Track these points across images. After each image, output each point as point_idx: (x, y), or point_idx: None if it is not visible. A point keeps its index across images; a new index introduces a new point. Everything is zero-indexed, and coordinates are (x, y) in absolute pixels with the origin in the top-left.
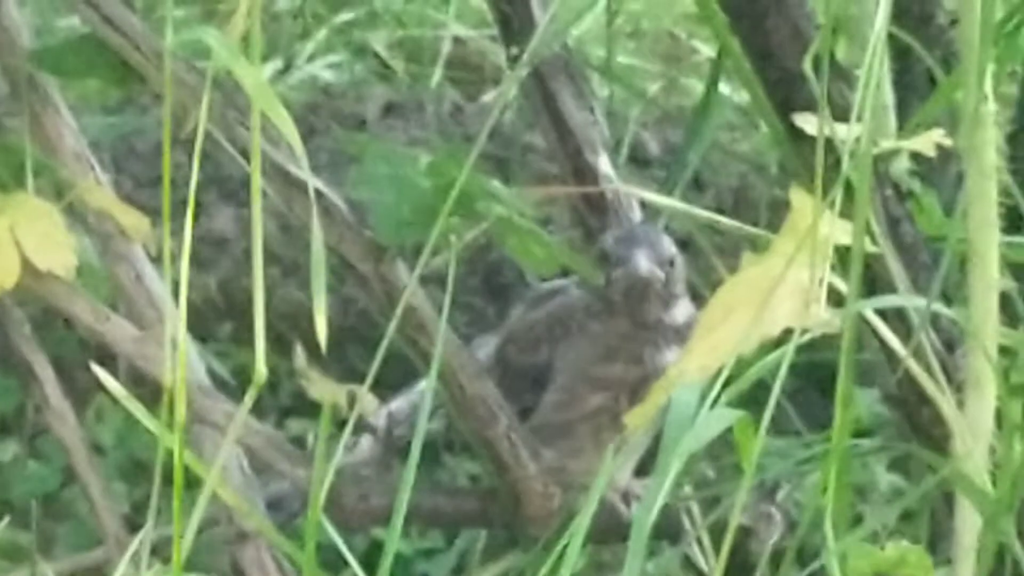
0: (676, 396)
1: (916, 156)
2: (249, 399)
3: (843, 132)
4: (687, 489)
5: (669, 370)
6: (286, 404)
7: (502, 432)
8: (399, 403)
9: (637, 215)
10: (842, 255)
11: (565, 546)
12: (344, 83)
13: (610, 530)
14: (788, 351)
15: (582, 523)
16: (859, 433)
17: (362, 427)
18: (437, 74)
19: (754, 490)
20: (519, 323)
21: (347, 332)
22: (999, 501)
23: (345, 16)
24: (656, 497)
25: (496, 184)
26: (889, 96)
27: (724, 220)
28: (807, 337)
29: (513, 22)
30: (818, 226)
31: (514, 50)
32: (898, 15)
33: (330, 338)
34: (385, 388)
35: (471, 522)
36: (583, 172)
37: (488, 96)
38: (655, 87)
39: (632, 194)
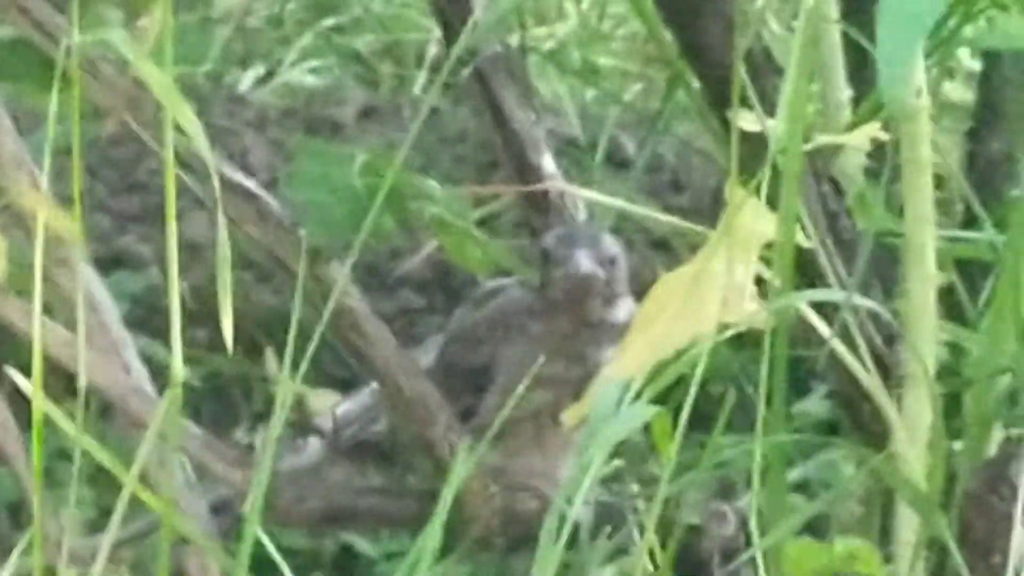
0: (598, 393)
1: (873, 153)
2: (168, 401)
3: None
4: (634, 488)
5: (604, 368)
6: (260, 409)
7: (441, 433)
8: (348, 405)
9: (582, 215)
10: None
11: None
12: (326, 88)
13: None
14: (704, 348)
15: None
16: (831, 430)
17: (310, 429)
18: (421, 78)
19: (706, 489)
20: (461, 323)
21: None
22: (931, 497)
23: (329, 21)
24: (577, 492)
25: (432, 184)
26: (844, 91)
27: (665, 217)
28: (731, 332)
29: (454, 22)
30: (748, 221)
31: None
32: (857, 9)
33: (306, 343)
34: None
35: (411, 523)
36: (526, 171)
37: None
38: (635, 89)
39: (575, 194)
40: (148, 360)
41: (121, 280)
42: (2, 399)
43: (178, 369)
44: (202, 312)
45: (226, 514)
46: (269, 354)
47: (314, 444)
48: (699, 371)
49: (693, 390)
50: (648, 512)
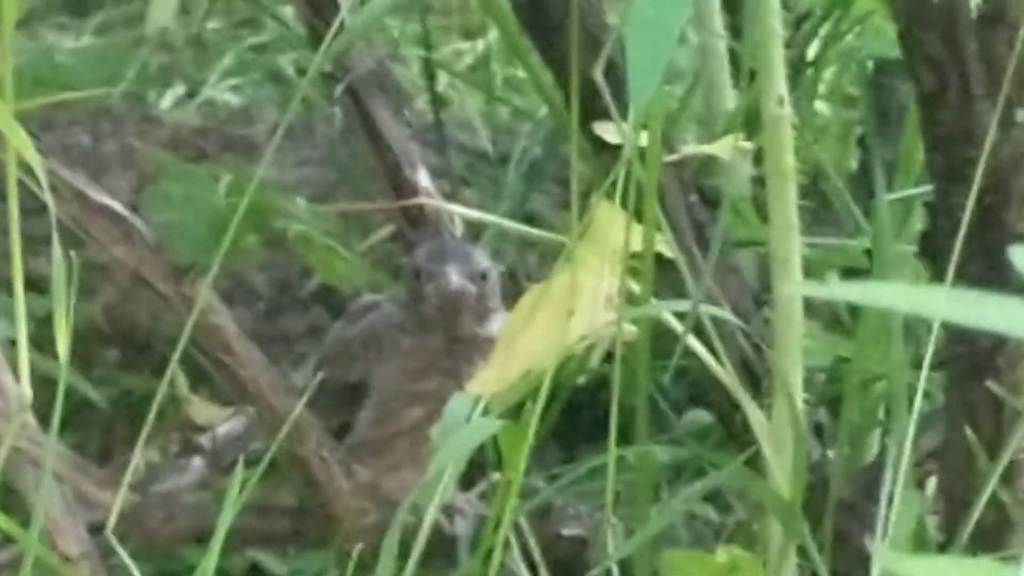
0: (449, 407)
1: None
2: (15, 420)
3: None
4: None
5: (480, 379)
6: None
7: (313, 450)
8: (232, 423)
9: (458, 230)
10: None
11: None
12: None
13: (435, 546)
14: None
15: (393, 537)
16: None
17: (192, 448)
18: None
19: (593, 500)
20: (334, 340)
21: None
22: (793, 505)
23: (255, 40)
24: (429, 504)
25: (299, 201)
26: (729, 102)
27: (536, 232)
28: (587, 343)
29: (321, 29)
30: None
31: (327, 66)
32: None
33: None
34: None
35: (286, 541)
36: (402, 187)
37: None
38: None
39: (447, 208)
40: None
41: (26, 301)
42: None
43: (26, 393)
44: (114, 332)
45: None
46: (178, 372)
47: (196, 463)
48: (544, 387)
49: (538, 406)
50: (530, 527)
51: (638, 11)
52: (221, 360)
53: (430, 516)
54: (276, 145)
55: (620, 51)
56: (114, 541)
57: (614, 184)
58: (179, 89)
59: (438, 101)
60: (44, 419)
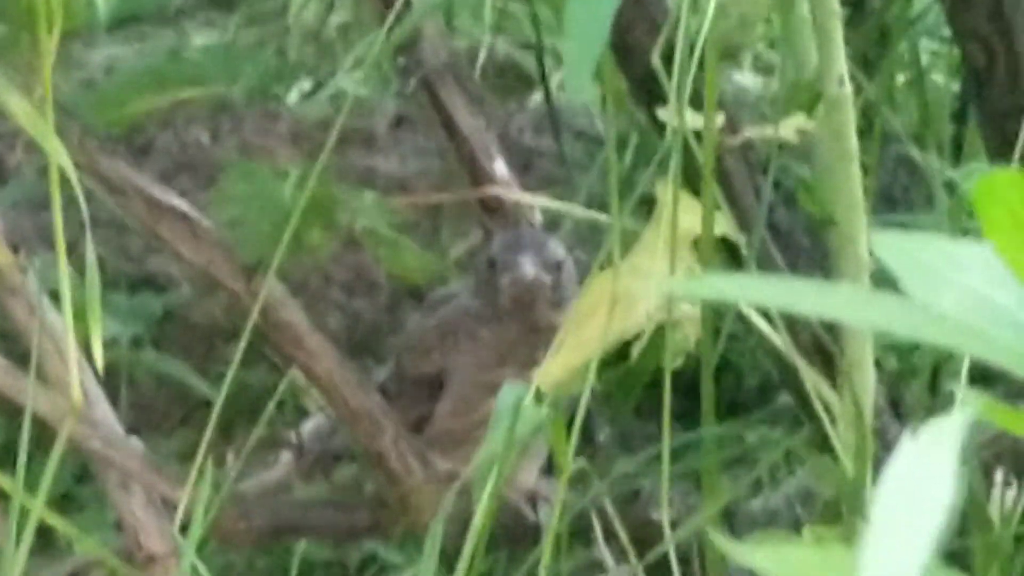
0: (501, 396)
1: None
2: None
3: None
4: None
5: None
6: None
7: (389, 442)
8: (317, 418)
9: (537, 219)
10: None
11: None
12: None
13: (518, 534)
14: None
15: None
16: None
17: (282, 443)
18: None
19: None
20: (412, 332)
21: (357, 347)
22: (856, 483)
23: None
24: (482, 493)
25: (366, 195)
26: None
27: (606, 217)
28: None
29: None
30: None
31: (401, 59)
32: None
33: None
34: None
35: (365, 534)
36: (479, 177)
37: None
38: None
39: (521, 199)
40: (166, 379)
41: (144, 301)
42: None
43: (78, 396)
44: (235, 329)
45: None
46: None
47: (285, 458)
48: (592, 371)
49: (586, 393)
50: (617, 512)
51: (571, 9)
52: (294, 355)
53: (483, 504)
54: (395, 136)
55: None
56: (180, 539)
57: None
58: (306, 83)
59: (549, 86)
60: (165, 416)
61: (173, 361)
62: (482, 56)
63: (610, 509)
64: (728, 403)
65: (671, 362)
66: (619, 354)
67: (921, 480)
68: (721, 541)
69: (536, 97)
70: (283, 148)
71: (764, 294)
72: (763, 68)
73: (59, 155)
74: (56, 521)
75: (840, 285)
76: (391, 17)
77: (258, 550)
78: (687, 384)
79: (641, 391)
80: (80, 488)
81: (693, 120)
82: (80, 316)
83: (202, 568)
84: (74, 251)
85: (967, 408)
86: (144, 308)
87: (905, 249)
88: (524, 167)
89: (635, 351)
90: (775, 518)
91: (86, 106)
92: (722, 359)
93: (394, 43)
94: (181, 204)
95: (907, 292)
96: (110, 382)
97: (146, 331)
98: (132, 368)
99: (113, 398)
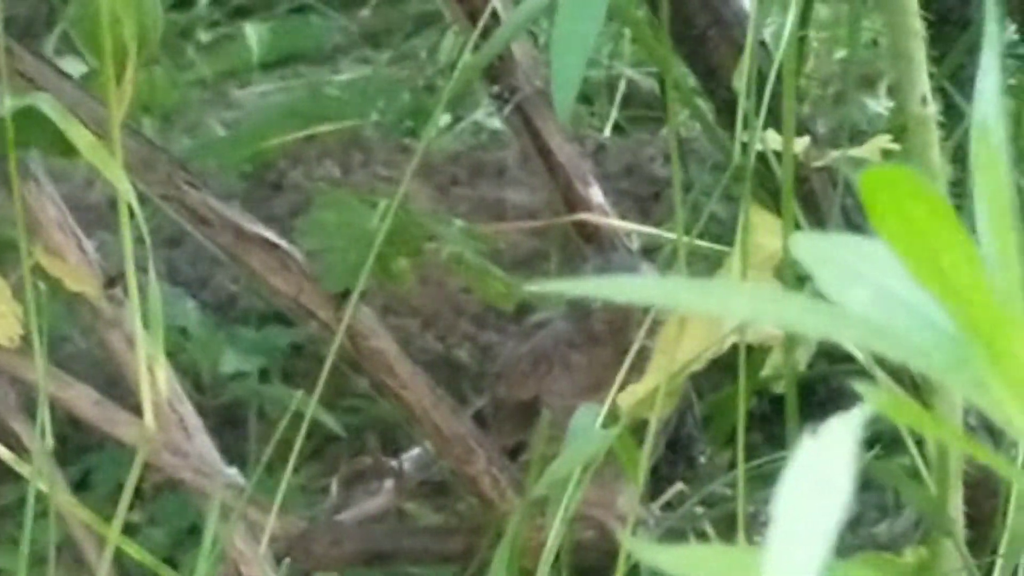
0: (575, 416)
1: None
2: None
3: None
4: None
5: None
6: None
7: (483, 468)
8: (421, 447)
9: (634, 245)
10: None
11: None
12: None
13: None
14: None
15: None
16: None
17: (385, 471)
18: (613, 114)
19: None
20: (507, 359)
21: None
22: (939, 502)
23: None
24: (557, 514)
25: (454, 222)
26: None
27: (686, 239)
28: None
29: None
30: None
31: (495, 88)
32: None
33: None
34: None
35: (460, 559)
36: (575, 204)
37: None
38: None
39: (612, 224)
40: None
41: (272, 334)
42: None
43: (151, 426)
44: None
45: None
46: None
47: (388, 486)
48: (663, 391)
49: (658, 414)
50: (717, 535)
51: (559, 27)
52: (386, 383)
53: (557, 527)
54: (526, 168)
55: (764, 57)
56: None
57: (768, 190)
58: (445, 118)
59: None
60: (288, 446)
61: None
62: (622, 86)
63: (710, 531)
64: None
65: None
66: (721, 377)
67: (820, 478)
68: (633, 544)
69: (665, 131)
70: (412, 182)
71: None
72: None
73: (124, 186)
74: (142, 555)
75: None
76: (473, 37)
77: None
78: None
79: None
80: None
81: (772, 141)
82: (198, 350)
83: None
84: (205, 287)
85: (865, 404)
86: (272, 342)
87: (820, 248)
88: (654, 196)
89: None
90: (903, 541)
91: (223, 142)
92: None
93: (481, 67)
94: (269, 234)
95: (821, 291)
96: (239, 416)
97: (274, 365)
98: (260, 402)
99: (241, 431)
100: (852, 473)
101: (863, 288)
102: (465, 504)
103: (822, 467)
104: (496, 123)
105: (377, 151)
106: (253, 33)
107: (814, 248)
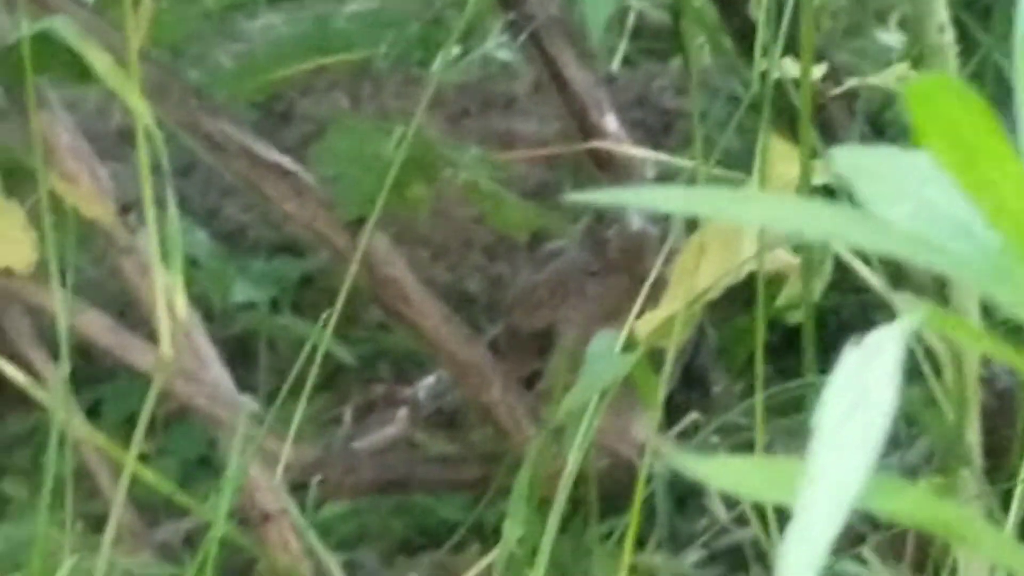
0: (592, 343)
1: None
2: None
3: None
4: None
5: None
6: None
7: (498, 396)
8: (436, 374)
9: (649, 172)
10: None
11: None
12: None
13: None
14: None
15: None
16: None
17: (398, 400)
18: (622, 46)
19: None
20: (522, 288)
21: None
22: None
23: None
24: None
25: (469, 150)
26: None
27: (706, 168)
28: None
29: None
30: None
31: (511, 14)
32: None
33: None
34: None
35: (475, 488)
36: (590, 132)
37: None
38: None
39: (627, 151)
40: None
41: (283, 265)
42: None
43: (167, 354)
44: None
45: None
46: None
47: (401, 414)
48: (694, 312)
49: (676, 341)
50: None
51: None
52: (401, 312)
53: (575, 454)
54: (535, 99)
55: None
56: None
57: (785, 118)
58: (454, 50)
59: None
60: (299, 382)
61: (311, 325)
62: (631, 19)
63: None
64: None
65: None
66: (735, 307)
67: (864, 389)
68: (678, 459)
69: (676, 61)
70: (422, 113)
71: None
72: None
73: (142, 110)
74: (159, 483)
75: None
76: None
77: (371, 508)
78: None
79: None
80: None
81: (790, 69)
82: (208, 280)
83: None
84: (215, 217)
85: (910, 317)
86: (282, 273)
87: (863, 162)
88: (664, 127)
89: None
90: (915, 474)
91: (233, 74)
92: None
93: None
94: (284, 160)
95: (865, 205)
96: (249, 346)
97: (285, 296)
98: (271, 332)
99: (252, 362)
100: (896, 386)
101: (906, 201)
102: (478, 434)
103: (865, 380)
104: (505, 55)
105: (387, 83)
106: None
107: (855, 162)
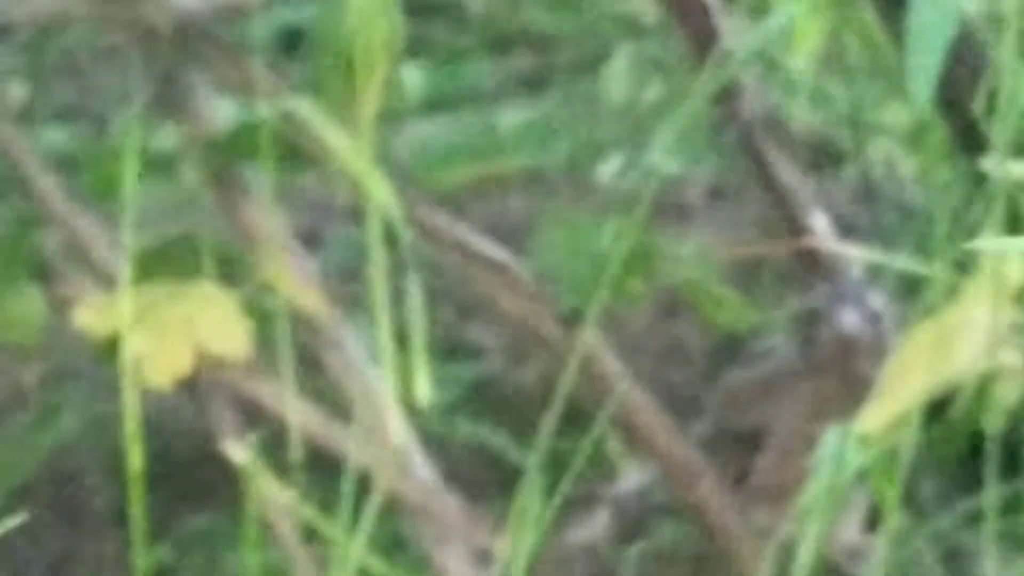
0: (823, 441)
1: None
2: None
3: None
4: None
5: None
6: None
7: (707, 494)
8: (635, 476)
9: (856, 272)
10: None
11: None
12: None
13: None
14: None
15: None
16: None
17: (599, 499)
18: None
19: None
20: (731, 387)
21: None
22: None
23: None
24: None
25: (685, 245)
26: None
27: (920, 268)
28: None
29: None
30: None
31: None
32: None
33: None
34: None
35: None
36: (798, 231)
37: None
38: None
39: (840, 251)
40: (480, 447)
41: (457, 368)
42: None
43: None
44: (549, 396)
45: None
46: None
47: (601, 515)
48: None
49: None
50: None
51: (916, 15)
52: (611, 406)
53: (807, 551)
54: (709, 207)
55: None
56: None
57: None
58: (620, 158)
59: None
60: (477, 484)
61: (486, 428)
62: (798, 129)
63: (931, 566)
64: None
65: (994, 417)
66: (940, 409)
67: None
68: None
69: (850, 171)
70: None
71: None
72: None
73: (386, 199)
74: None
75: None
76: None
77: None
78: (1014, 439)
79: (964, 446)
80: (395, 551)
81: (1017, 170)
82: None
83: None
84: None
85: None
86: (456, 376)
87: None
88: (846, 232)
89: (957, 405)
90: None
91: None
92: None
93: (710, 93)
94: (499, 254)
95: None
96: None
97: (459, 399)
98: (445, 435)
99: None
100: None
101: None
102: (678, 532)
103: None
104: (672, 167)
105: (560, 188)
106: (408, 76)
107: None
